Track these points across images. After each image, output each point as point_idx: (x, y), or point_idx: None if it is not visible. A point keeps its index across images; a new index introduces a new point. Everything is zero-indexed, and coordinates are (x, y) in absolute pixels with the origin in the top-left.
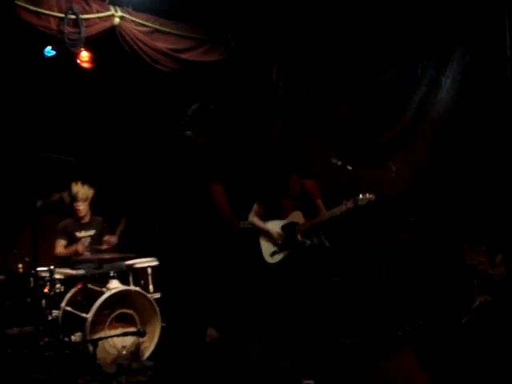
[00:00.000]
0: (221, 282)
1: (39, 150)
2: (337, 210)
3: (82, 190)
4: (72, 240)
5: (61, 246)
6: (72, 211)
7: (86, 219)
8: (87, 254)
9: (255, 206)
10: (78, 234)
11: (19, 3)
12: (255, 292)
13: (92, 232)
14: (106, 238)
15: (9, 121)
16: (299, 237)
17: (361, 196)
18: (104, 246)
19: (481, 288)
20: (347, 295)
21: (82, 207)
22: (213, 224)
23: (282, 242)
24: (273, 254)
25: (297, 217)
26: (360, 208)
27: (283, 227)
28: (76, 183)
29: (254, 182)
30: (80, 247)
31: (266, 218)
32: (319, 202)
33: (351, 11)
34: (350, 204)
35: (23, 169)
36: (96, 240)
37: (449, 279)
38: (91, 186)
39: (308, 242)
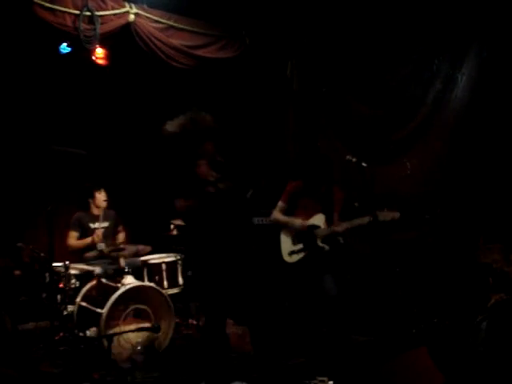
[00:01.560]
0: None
1: (51, 144)
2: (357, 222)
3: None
4: (85, 232)
5: (73, 238)
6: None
7: (100, 211)
8: (102, 245)
9: (280, 203)
10: (92, 226)
11: (36, 0)
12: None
13: (106, 224)
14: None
15: (23, 115)
16: (319, 241)
17: (385, 210)
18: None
19: (496, 286)
20: (361, 292)
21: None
22: None
23: (303, 238)
24: (291, 253)
25: (319, 220)
26: (381, 223)
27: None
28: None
29: (268, 178)
30: (95, 239)
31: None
32: (336, 215)
33: (366, 7)
34: (368, 218)
35: (37, 162)
36: (110, 232)
37: (464, 277)
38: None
39: (326, 247)
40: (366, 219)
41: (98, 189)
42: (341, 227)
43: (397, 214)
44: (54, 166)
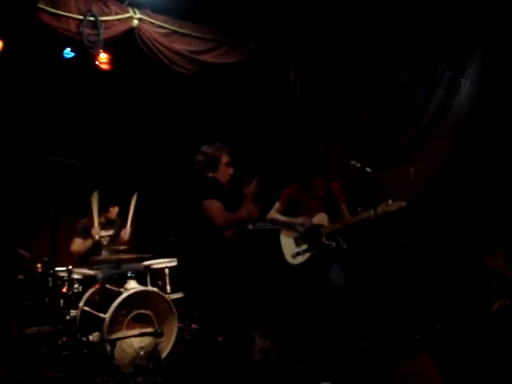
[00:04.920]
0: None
1: (48, 154)
2: (364, 215)
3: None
4: (90, 239)
5: (77, 244)
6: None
7: (105, 220)
8: (105, 254)
9: (277, 204)
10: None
11: (40, 6)
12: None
13: (111, 232)
14: (122, 232)
15: (26, 122)
16: (324, 239)
17: (390, 201)
18: (122, 247)
19: (499, 291)
20: (365, 298)
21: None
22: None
23: (307, 238)
24: (296, 254)
25: (322, 219)
26: (389, 214)
27: (307, 230)
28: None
29: (271, 182)
30: (94, 232)
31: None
32: (343, 206)
33: (369, 13)
34: (379, 210)
35: (37, 171)
36: (115, 239)
37: (467, 282)
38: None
39: (333, 244)
40: (371, 212)
41: (114, 204)
42: (353, 219)
43: (403, 203)
44: (52, 174)
